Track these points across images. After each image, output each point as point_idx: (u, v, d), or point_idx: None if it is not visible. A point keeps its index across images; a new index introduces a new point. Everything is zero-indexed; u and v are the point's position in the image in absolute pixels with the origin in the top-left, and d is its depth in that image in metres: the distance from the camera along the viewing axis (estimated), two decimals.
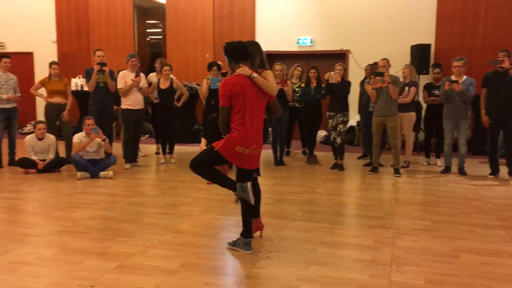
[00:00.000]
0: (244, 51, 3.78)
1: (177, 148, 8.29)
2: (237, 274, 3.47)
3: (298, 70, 8.05)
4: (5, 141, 7.40)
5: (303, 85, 7.76)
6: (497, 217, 4.90)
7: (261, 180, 6.64)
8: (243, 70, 3.71)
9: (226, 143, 3.73)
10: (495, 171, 6.81)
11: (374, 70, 7.28)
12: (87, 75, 7.44)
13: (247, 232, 3.90)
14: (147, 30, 12.40)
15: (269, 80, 3.82)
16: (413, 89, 7.31)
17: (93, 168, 6.64)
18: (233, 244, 3.94)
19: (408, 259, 3.73)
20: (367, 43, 9.95)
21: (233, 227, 4.54)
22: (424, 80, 8.67)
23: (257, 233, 4.21)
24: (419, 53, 9.13)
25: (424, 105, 8.14)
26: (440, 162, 7.71)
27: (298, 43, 10.46)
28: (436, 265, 3.62)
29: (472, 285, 3.27)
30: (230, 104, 3.69)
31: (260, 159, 3.97)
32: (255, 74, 3.71)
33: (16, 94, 7.34)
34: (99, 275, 3.38)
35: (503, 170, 6.83)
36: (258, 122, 3.79)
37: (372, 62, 7.90)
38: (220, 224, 4.71)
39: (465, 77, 6.89)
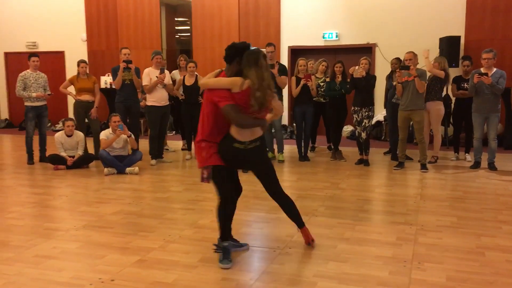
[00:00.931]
0: (233, 54, 3.48)
1: None
2: (254, 269, 3.47)
3: (323, 65, 7.98)
4: (36, 138, 7.63)
5: (328, 79, 7.69)
6: None
7: (285, 176, 6.67)
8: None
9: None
10: None
11: (400, 65, 7.14)
12: (114, 73, 7.57)
13: (223, 234, 3.62)
14: (176, 28, 12.52)
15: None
16: (436, 64, 7.04)
17: (120, 164, 6.76)
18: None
19: (430, 256, 3.65)
20: (394, 36, 9.77)
21: (254, 223, 4.56)
22: (453, 73, 8.44)
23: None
24: (448, 45, 8.91)
25: (453, 99, 7.94)
26: (469, 157, 7.51)
27: (323, 37, 10.37)
28: (459, 262, 3.53)
29: (496, 283, 3.18)
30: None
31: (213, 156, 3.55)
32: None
33: (46, 92, 7.55)
34: (120, 269, 3.45)
35: None
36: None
37: (399, 56, 7.75)
38: (241, 219, 4.71)
39: (495, 69, 6.68)
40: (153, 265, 3.54)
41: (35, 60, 7.49)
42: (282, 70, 7.45)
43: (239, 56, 3.43)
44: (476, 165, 6.91)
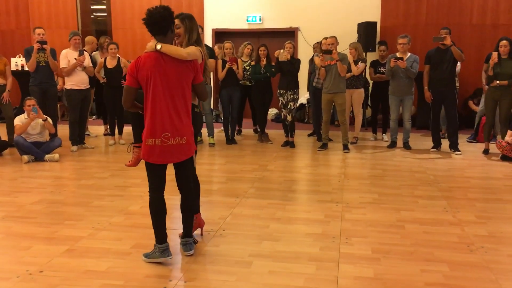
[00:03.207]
0: (162, 22, 3.13)
1: (126, 129, 8.10)
2: None
3: (248, 48, 8.02)
4: None
5: (253, 63, 7.75)
6: (438, 188, 5.15)
7: (213, 159, 6.69)
8: (148, 45, 3.16)
9: (143, 145, 3.20)
10: (437, 145, 7.13)
11: (320, 48, 7.38)
12: (27, 54, 7.10)
13: (160, 237, 3.31)
14: (91, 7, 11.91)
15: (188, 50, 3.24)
16: (362, 64, 7.46)
17: (38, 150, 6.39)
18: (148, 256, 3.33)
19: (356, 231, 3.87)
20: (316, 21, 10.02)
21: None
22: (371, 57, 8.87)
23: (197, 231, 3.77)
24: (366, 30, 9.29)
25: (370, 82, 8.35)
26: (386, 137, 7.97)
27: (247, 20, 10.39)
28: (382, 235, 3.77)
29: (416, 253, 3.44)
30: (138, 86, 3.16)
31: (188, 151, 3.29)
32: (159, 45, 3.10)
33: None
34: (48, 260, 3.30)
35: (445, 144, 7.16)
36: (175, 107, 3.17)
37: (320, 40, 7.98)
38: (172, 204, 4.64)
39: (409, 54, 7.10)
40: (84, 254, 3.42)
41: None
42: (210, 53, 7.38)
43: (172, 24, 3.22)
44: (393, 144, 7.35)
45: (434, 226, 3.98)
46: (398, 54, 7.08)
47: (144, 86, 3.14)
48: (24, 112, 6.51)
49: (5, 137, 7.21)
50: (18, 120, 6.42)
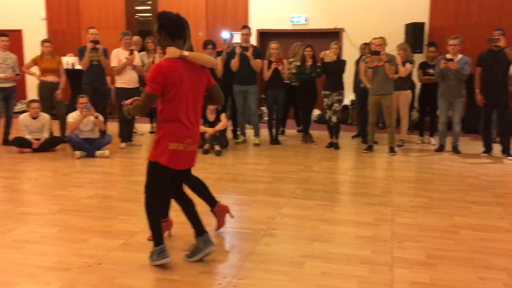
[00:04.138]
0: (184, 26, 3.18)
1: None
2: (241, 251, 3.51)
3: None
4: (1, 120, 7.33)
5: (298, 64, 7.73)
6: (492, 194, 4.99)
7: (258, 159, 6.72)
8: (172, 51, 3.08)
9: (157, 147, 3.13)
10: (488, 149, 6.91)
11: (369, 49, 7.29)
12: (80, 53, 7.33)
13: (198, 229, 3.36)
14: (135, 8, 12.19)
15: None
16: (409, 65, 7.32)
17: (89, 147, 6.60)
18: (192, 255, 3.31)
19: (408, 236, 3.80)
20: (361, 22, 9.91)
21: (234, 205, 4.58)
22: (418, 59, 8.68)
23: (166, 233, 3.65)
24: (413, 31, 9.12)
25: (418, 84, 8.18)
26: (434, 140, 7.79)
27: (292, 21, 10.38)
28: (436, 241, 3.70)
29: (472, 260, 3.35)
30: (161, 94, 3.05)
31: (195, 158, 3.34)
32: (185, 53, 3.10)
33: (15, 74, 7.24)
34: (105, 253, 3.41)
35: (496, 148, 6.94)
36: (196, 114, 3.21)
37: (366, 41, 7.89)
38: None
39: (460, 55, 6.92)
40: (139, 249, 3.51)
41: (4, 40, 7.17)
42: (258, 53, 7.44)
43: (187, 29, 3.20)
44: (441, 148, 7.18)
45: (489, 233, 3.87)
46: (448, 56, 6.91)
47: (167, 92, 3.05)
48: (76, 109, 6.74)
49: (57, 133, 7.48)
50: (71, 117, 6.65)
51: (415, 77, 8.26)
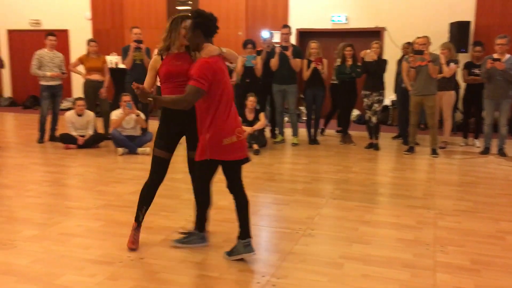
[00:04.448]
0: (216, 26, 3.26)
1: None
2: (280, 250, 3.51)
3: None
4: (48, 117, 7.60)
5: (338, 63, 7.66)
6: None
7: (296, 159, 6.70)
8: (212, 48, 3.19)
9: (211, 144, 3.18)
10: None
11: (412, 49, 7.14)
12: (124, 53, 7.52)
13: (244, 232, 3.34)
14: (176, 8, 12.37)
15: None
16: (454, 65, 7.12)
17: (131, 144, 6.76)
18: (231, 254, 3.34)
19: (451, 240, 3.71)
20: (404, 21, 9.72)
21: (272, 205, 4.59)
22: (462, 58, 8.44)
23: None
24: (458, 30, 8.88)
25: (462, 85, 7.96)
26: (478, 143, 7.55)
27: (332, 20, 10.30)
28: (481, 246, 3.59)
29: None
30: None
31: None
32: (224, 49, 3.24)
33: (61, 72, 7.50)
34: (147, 248, 3.48)
35: None
36: (233, 107, 3.30)
37: (409, 40, 7.74)
38: (258, 201, 4.75)
39: (508, 55, 6.68)
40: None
41: (52, 39, 7.43)
42: (297, 52, 7.42)
43: None
44: (486, 150, 6.95)
45: None
46: (495, 55, 6.69)
47: (214, 89, 3.11)
48: (119, 107, 6.91)
49: (101, 130, 7.69)
50: (114, 115, 6.83)
51: (459, 78, 8.04)
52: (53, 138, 7.53)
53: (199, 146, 3.24)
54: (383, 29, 9.96)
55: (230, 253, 3.35)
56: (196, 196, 3.52)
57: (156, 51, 3.53)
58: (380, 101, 7.23)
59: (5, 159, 6.39)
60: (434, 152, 6.80)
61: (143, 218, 3.52)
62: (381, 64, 7.19)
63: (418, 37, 6.74)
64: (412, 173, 5.93)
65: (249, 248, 3.29)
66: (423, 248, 3.54)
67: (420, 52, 6.57)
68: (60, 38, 12.17)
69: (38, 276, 3.04)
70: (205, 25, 3.20)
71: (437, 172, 5.95)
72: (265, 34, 7.83)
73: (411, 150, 6.98)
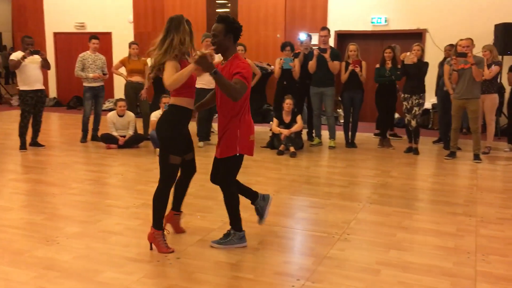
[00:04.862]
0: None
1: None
2: (316, 254, 3.49)
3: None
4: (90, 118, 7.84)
5: (377, 66, 7.55)
6: None
7: (333, 162, 6.65)
8: (240, 53, 3.62)
9: (240, 140, 3.40)
10: None
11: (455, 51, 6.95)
12: None
13: (240, 224, 3.58)
14: (216, 10, 12.50)
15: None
16: (496, 67, 6.89)
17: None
18: (221, 243, 3.55)
19: (494, 249, 3.59)
20: (446, 22, 9.47)
21: (308, 208, 4.57)
22: (508, 61, 8.16)
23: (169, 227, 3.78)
24: (504, 32, 8.57)
25: (508, 88, 7.68)
26: None
27: (372, 22, 10.15)
28: None
29: None
30: None
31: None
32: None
33: (103, 74, 7.72)
34: (183, 248, 3.54)
35: None
36: None
37: (451, 42, 7.54)
38: (294, 204, 4.74)
39: None
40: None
41: (95, 43, 7.67)
42: (335, 55, 7.37)
43: None
44: None
45: None
46: None
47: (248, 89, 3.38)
48: (158, 108, 7.05)
49: (141, 131, 7.86)
50: (154, 116, 6.96)
51: (504, 80, 7.76)
52: (95, 138, 7.75)
53: (224, 143, 3.42)
54: (425, 30, 9.74)
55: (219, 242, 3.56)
56: (224, 192, 3.59)
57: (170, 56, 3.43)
58: (420, 105, 7.08)
59: (50, 157, 6.63)
60: (476, 157, 6.60)
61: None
62: (421, 66, 7.04)
63: (461, 39, 6.55)
64: (453, 178, 5.78)
65: (225, 236, 3.58)
66: (464, 257, 3.44)
67: (463, 55, 6.38)
68: (104, 40, 12.52)
69: (79, 272, 3.14)
70: (237, 31, 3.40)
71: (480, 178, 5.77)
72: (302, 36, 7.81)
73: (452, 155, 6.79)
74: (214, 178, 3.67)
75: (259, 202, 3.72)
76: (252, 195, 3.72)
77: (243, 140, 3.39)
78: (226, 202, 3.54)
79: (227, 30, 3.35)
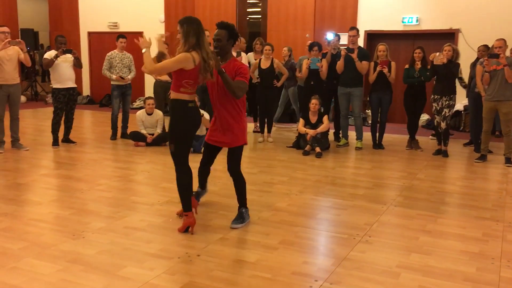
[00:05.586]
0: None
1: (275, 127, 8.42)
2: (335, 255, 3.48)
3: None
4: (119, 115, 8.01)
5: (407, 66, 7.43)
6: None
7: (359, 163, 6.59)
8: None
9: (244, 132, 4.03)
10: None
11: (489, 52, 6.78)
12: None
13: (246, 201, 4.15)
14: (247, 10, 12.57)
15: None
16: None
17: (195, 143, 6.96)
18: (239, 222, 4.01)
19: None
20: (479, 22, 9.25)
21: (331, 209, 4.55)
22: None
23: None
24: None
25: None
26: None
27: (403, 22, 10.00)
28: None
29: None
30: None
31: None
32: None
33: (131, 73, 7.86)
34: (204, 245, 3.58)
35: None
36: None
37: (485, 43, 7.35)
38: (317, 205, 4.73)
39: None
40: (235, 244, 3.65)
41: (122, 41, 7.83)
42: (364, 55, 7.30)
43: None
44: None
45: None
46: None
47: None
48: None
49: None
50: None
51: None
52: (124, 136, 7.92)
53: (234, 134, 3.92)
54: (458, 30, 9.53)
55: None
56: (234, 178, 4.10)
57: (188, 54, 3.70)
58: (450, 106, 6.93)
59: (81, 154, 6.82)
60: (508, 161, 6.42)
61: None
62: (451, 67, 6.89)
63: (497, 40, 6.39)
64: (483, 182, 5.64)
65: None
66: (488, 262, 3.37)
67: (495, 56, 6.22)
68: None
69: (102, 266, 3.23)
70: (237, 37, 3.93)
71: (510, 182, 5.61)
72: (329, 36, 7.76)
73: (483, 158, 6.63)
74: (207, 167, 4.42)
75: (202, 192, 4.44)
76: (203, 185, 4.42)
77: (245, 132, 4.04)
78: (239, 186, 4.05)
79: (229, 36, 3.84)
